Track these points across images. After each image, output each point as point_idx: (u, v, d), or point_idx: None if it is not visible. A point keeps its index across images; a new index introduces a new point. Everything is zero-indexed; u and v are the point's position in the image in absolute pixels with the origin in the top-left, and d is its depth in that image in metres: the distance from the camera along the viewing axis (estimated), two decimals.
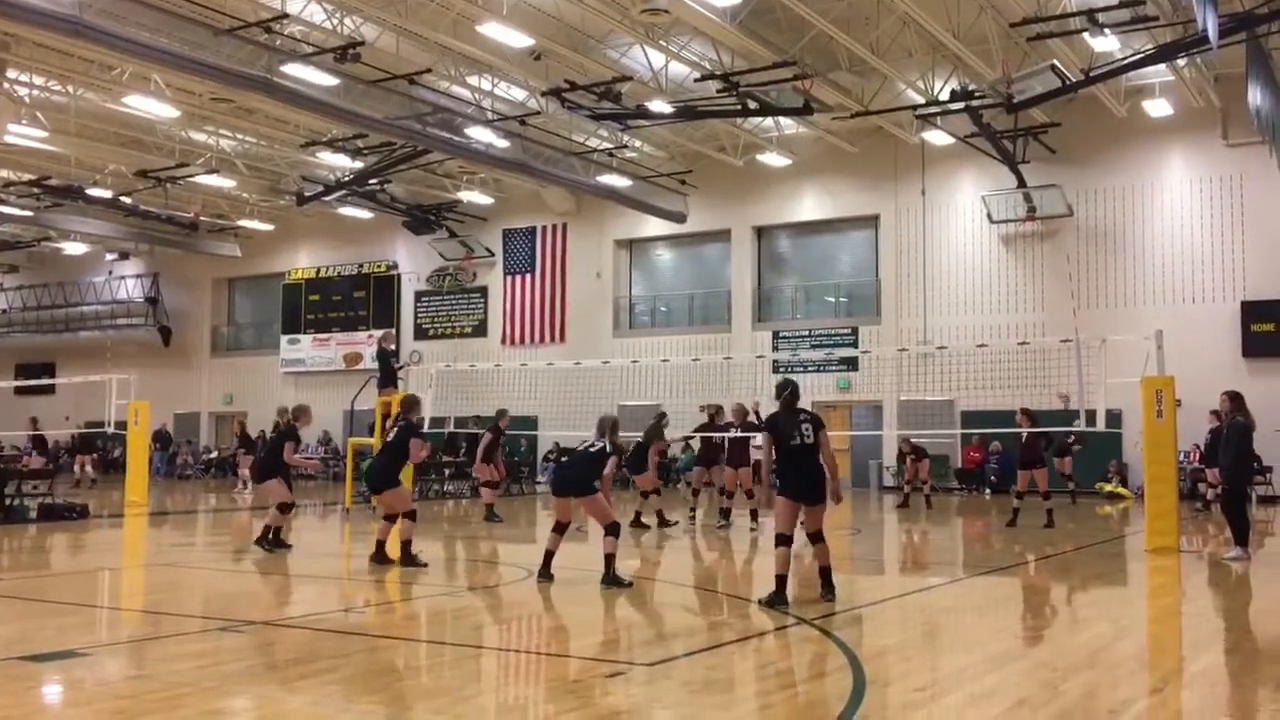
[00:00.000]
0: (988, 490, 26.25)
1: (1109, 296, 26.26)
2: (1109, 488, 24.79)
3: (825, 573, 9.45)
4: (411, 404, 12.65)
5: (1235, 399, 13.01)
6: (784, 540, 9.15)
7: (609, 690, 6.33)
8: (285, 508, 13.38)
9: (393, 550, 11.85)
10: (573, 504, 10.52)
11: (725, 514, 16.83)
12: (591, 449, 10.56)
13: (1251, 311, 24.79)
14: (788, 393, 9.44)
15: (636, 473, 17.70)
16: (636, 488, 18.14)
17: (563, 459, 12.48)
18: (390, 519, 11.96)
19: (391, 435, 12.26)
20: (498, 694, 6.53)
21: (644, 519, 16.77)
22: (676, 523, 17.18)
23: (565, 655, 7.61)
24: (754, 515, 16.63)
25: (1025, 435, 17.24)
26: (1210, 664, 7.32)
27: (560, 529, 10.65)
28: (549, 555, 10.58)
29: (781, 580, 9.09)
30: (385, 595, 10.64)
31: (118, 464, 31.55)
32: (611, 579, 10.11)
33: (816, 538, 9.36)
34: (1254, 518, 20.24)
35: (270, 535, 13.18)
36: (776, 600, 8.98)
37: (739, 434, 16.76)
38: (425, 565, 11.67)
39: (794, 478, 9.30)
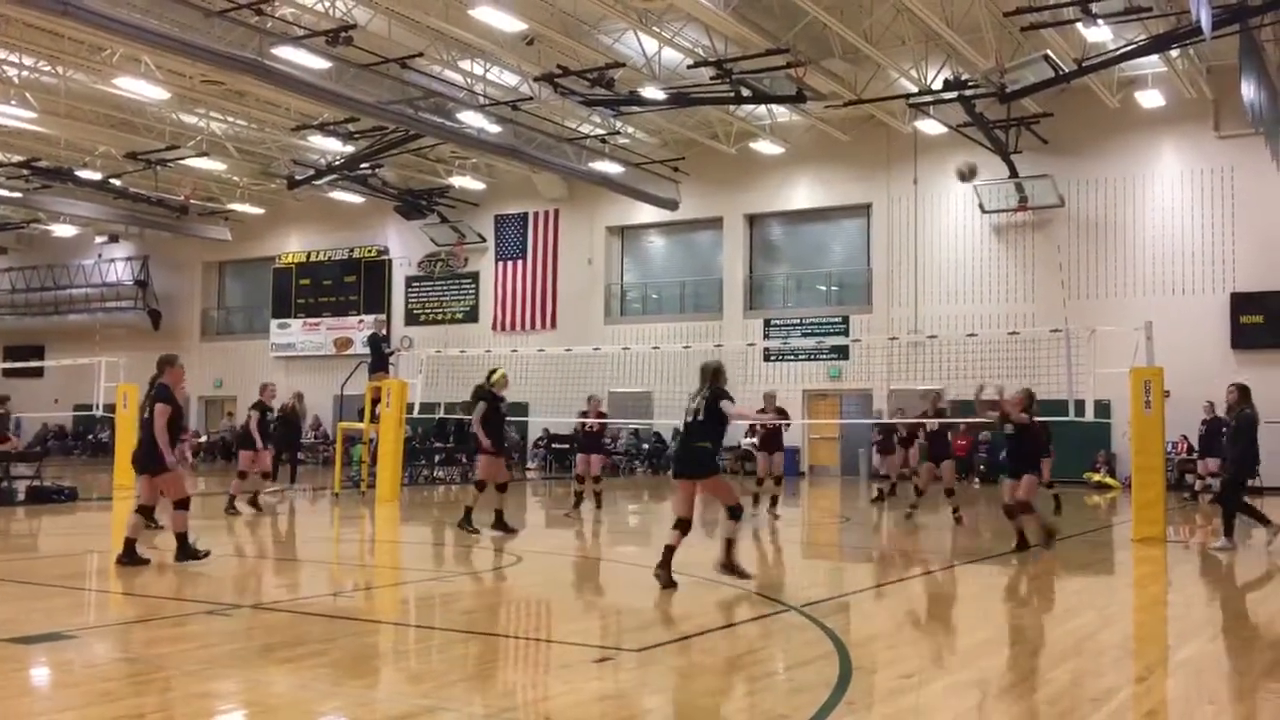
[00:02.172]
0: (976, 479, 26.31)
1: (1099, 287, 26.31)
2: (1097, 478, 24.88)
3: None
4: (164, 362, 10.57)
5: (1243, 391, 13.08)
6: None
7: (597, 675, 6.35)
8: (185, 503, 10.46)
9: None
10: (696, 488, 9.26)
11: (756, 500, 16.78)
12: (699, 417, 9.21)
13: (1241, 303, 24.86)
14: None
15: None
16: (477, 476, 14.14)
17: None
18: (181, 505, 10.31)
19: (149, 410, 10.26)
20: (485, 678, 6.53)
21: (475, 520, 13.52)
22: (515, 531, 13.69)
23: (553, 640, 7.63)
24: (774, 502, 16.62)
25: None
26: (1195, 652, 7.35)
27: (682, 526, 9.16)
28: (669, 550, 9.14)
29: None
30: (373, 580, 10.64)
31: (106, 448, 31.47)
32: (730, 566, 9.20)
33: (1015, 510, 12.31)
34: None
35: (129, 549, 10.20)
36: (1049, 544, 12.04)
37: (777, 421, 16.81)
38: (207, 554, 10.33)
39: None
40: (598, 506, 17.32)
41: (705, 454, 9.25)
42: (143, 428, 10.38)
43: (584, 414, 17.83)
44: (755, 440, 16.80)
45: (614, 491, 22.02)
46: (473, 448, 14.17)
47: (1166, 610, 9.62)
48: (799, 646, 7.32)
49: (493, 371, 13.86)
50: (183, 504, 10.30)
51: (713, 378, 9.41)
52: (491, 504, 13.38)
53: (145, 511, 10.35)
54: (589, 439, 17.66)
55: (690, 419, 9.33)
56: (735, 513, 9.25)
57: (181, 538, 10.25)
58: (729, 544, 9.28)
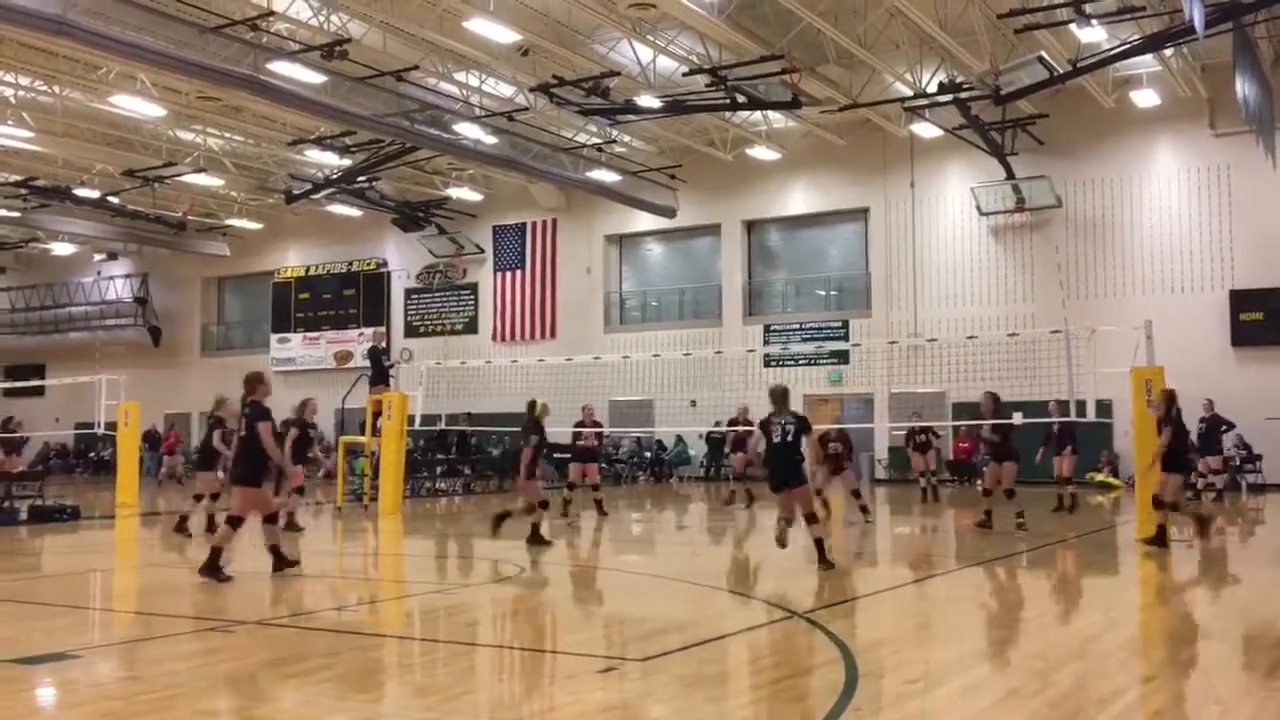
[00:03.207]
0: (979, 481, 26.24)
1: (1098, 287, 26.32)
2: (1100, 478, 24.84)
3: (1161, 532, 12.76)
4: (254, 380, 10.71)
5: None
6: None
7: (601, 686, 6.33)
8: (239, 522, 10.67)
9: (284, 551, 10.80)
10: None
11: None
12: (789, 439, 10.97)
13: (1240, 301, 24.85)
14: None
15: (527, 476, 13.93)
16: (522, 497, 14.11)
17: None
18: (270, 520, 10.70)
19: (243, 425, 10.52)
20: (490, 691, 6.52)
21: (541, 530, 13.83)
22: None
23: (558, 651, 7.62)
24: (864, 510, 16.84)
25: (1057, 426, 17.70)
26: (1200, 652, 7.34)
27: (791, 521, 11.31)
28: (819, 543, 10.94)
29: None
30: (377, 593, 10.63)
31: (108, 466, 31.46)
32: (826, 563, 10.78)
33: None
34: (1244, 505, 20.37)
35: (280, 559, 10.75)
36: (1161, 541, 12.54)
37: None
38: (229, 579, 10.15)
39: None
40: (602, 513, 17.50)
41: (799, 470, 11.08)
42: (240, 444, 10.59)
43: (579, 424, 18.36)
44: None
45: (616, 500, 22.01)
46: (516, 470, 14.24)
47: (1171, 610, 9.60)
48: (804, 653, 7.31)
49: (535, 403, 14.03)
50: (236, 522, 10.45)
51: (787, 403, 11.36)
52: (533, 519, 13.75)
53: (271, 518, 10.68)
54: (584, 448, 18.22)
55: (780, 440, 11.03)
56: (813, 519, 11.06)
57: (216, 553, 10.29)
58: (819, 543, 10.93)
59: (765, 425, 11.25)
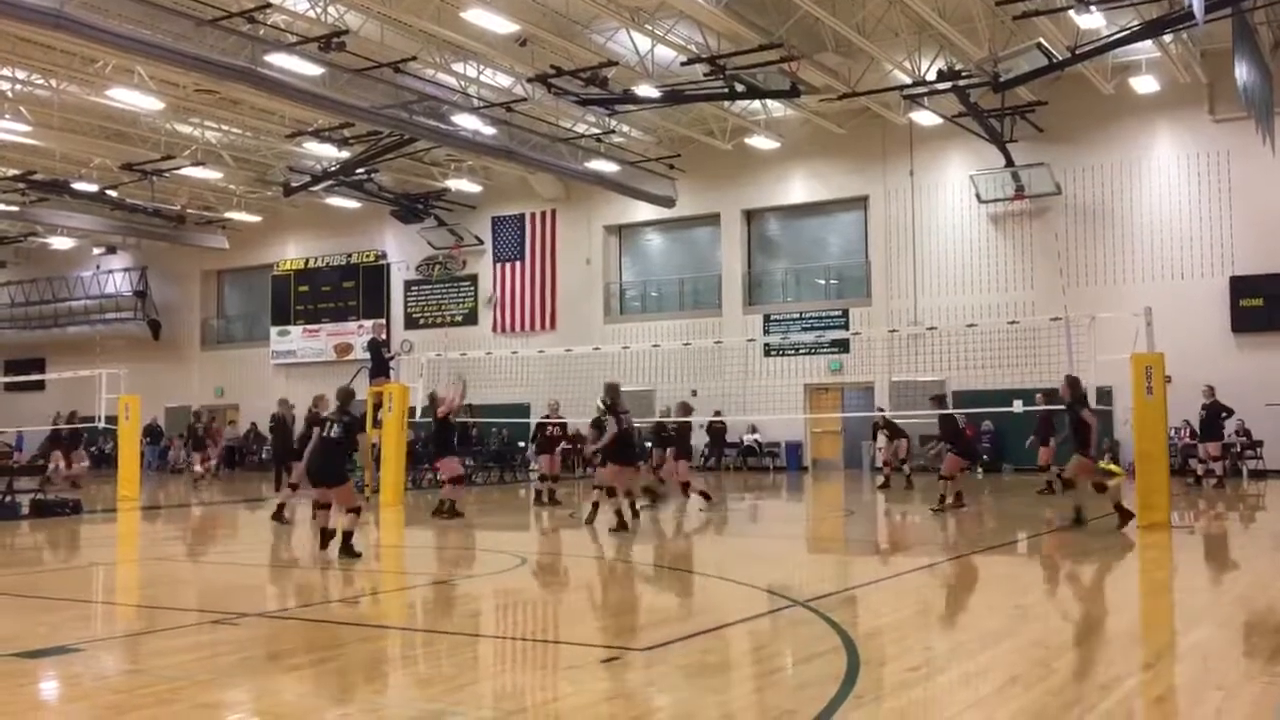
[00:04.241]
0: (979, 468, 26.27)
1: (1098, 274, 26.30)
2: (1100, 464, 24.80)
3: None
4: (351, 394, 12.32)
5: None
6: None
7: (605, 675, 6.35)
8: (357, 510, 11.95)
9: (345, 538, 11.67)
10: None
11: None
12: (631, 425, 14.51)
13: (1240, 287, 24.85)
14: None
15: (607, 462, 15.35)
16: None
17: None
18: (355, 511, 11.71)
19: (334, 431, 11.68)
20: (493, 681, 6.53)
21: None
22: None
23: (560, 641, 7.63)
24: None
25: (1039, 416, 18.86)
26: (1201, 638, 7.35)
27: (620, 493, 14.08)
28: (632, 504, 14.57)
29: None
30: (380, 584, 10.65)
31: (109, 460, 31.46)
32: (622, 525, 13.84)
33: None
34: (1245, 492, 20.40)
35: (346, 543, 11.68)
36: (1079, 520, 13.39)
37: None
38: (359, 555, 11.50)
39: None
40: (551, 502, 18.33)
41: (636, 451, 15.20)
42: (325, 445, 11.82)
43: (546, 417, 19.33)
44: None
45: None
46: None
47: (1172, 596, 9.61)
48: (806, 641, 7.32)
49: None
50: (355, 510, 11.68)
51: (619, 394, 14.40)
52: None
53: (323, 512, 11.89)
54: (552, 440, 19.26)
55: (631, 425, 14.27)
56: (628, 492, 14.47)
57: (348, 536, 11.47)
58: (632, 504, 14.59)
59: (614, 410, 13.89)
